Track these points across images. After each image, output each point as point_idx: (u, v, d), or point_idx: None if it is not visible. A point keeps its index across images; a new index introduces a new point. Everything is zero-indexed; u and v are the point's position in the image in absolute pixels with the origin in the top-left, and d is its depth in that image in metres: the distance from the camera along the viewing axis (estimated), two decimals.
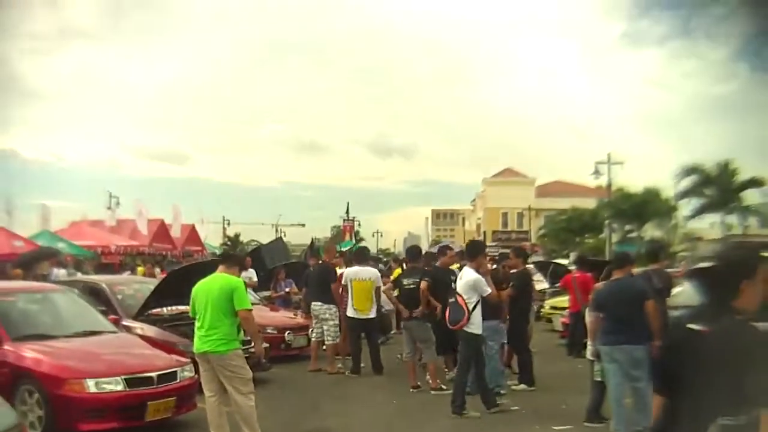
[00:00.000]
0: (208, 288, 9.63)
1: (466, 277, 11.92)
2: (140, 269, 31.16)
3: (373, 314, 15.49)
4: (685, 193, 51.55)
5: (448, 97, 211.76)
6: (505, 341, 13.55)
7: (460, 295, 11.72)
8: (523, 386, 13.70)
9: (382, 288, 15.88)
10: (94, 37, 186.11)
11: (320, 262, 17.71)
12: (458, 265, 14.37)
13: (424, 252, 16.28)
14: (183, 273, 14.27)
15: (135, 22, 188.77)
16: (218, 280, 9.67)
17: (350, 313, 15.55)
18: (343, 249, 26.78)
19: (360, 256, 16.79)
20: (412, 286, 13.97)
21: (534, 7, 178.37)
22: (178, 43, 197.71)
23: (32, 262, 26.77)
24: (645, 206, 55.59)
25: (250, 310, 9.73)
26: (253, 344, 10.59)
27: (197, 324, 9.70)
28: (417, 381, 13.85)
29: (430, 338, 13.75)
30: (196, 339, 9.71)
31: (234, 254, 10.56)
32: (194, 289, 9.84)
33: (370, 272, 15.68)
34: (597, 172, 54.97)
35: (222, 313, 9.42)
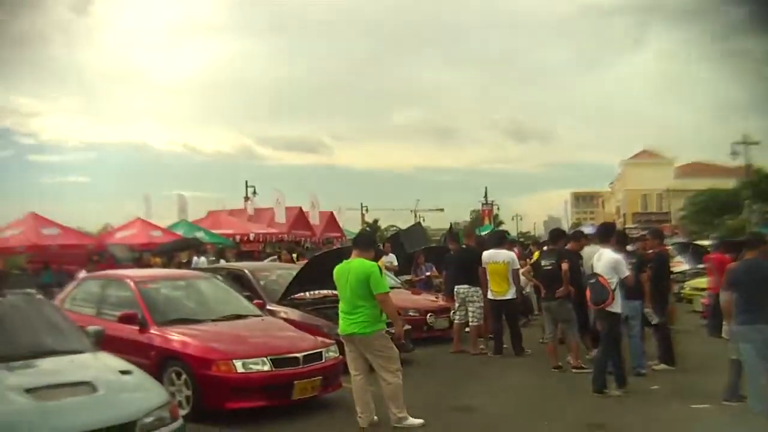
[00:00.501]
0: (345, 273, 9.70)
1: (606, 257, 11.84)
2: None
3: (510, 296, 15.35)
4: None
5: (581, 81, 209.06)
6: (655, 321, 13.24)
7: (601, 276, 11.61)
8: (663, 365, 13.43)
9: (521, 270, 15.70)
10: (224, 31, 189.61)
11: (462, 246, 17.59)
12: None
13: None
14: (324, 258, 14.39)
15: (264, 15, 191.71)
16: (354, 265, 9.70)
17: (489, 295, 15.50)
18: (482, 233, 26.64)
19: (495, 239, 16.73)
20: (549, 267, 13.82)
21: None
22: (311, 34, 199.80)
23: (173, 251, 27.50)
24: None
25: (387, 293, 9.71)
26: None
27: (340, 306, 9.79)
28: (558, 361, 13.73)
29: (572, 318, 13.55)
30: (340, 321, 9.80)
31: (364, 237, 10.48)
32: (334, 274, 9.93)
33: (505, 255, 15.54)
34: (735, 153, 53.73)
35: (361, 296, 9.48)
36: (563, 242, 14.63)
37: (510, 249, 16.43)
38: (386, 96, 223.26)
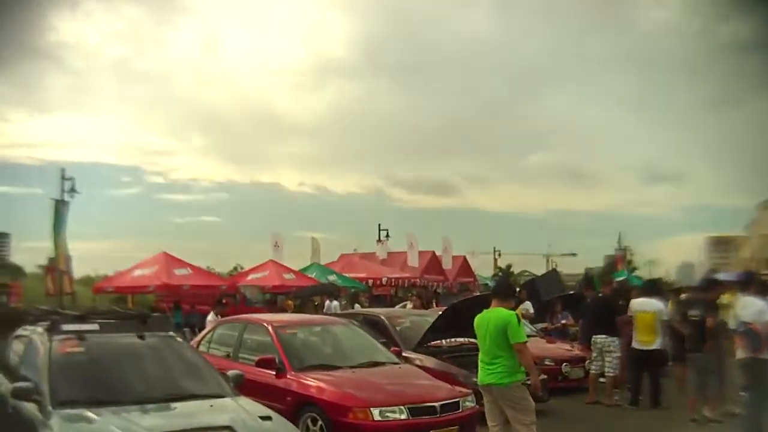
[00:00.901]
0: (485, 322, 9.65)
1: (754, 305, 11.51)
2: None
3: (656, 346, 14.90)
4: None
5: (715, 121, 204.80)
6: None
7: (752, 324, 11.25)
8: None
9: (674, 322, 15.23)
10: (353, 73, 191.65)
11: (598, 294, 17.26)
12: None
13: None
14: (462, 306, 14.27)
15: (391, 56, 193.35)
16: (493, 314, 9.64)
17: (634, 344, 15.17)
18: (617, 279, 26.16)
19: (647, 288, 16.37)
20: (696, 318, 13.38)
21: None
22: (445, 73, 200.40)
23: (311, 295, 27.77)
24: None
25: (525, 342, 9.58)
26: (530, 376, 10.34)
27: (480, 356, 9.71)
28: (695, 414, 13.31)
29: (715, 370, 13.14)
30: (479, 371, 9.72)
31: (504, 287, 10.40)
32: (475, 323, 9.86)
33: (654, 305, 15.13)
34: None
35: (500, 346, 9.41)
36: (716, 293, 14.21)
37: (663, 299, 16.02)
38: (519, 137, 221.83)
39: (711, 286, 14.35)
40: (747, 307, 11.62)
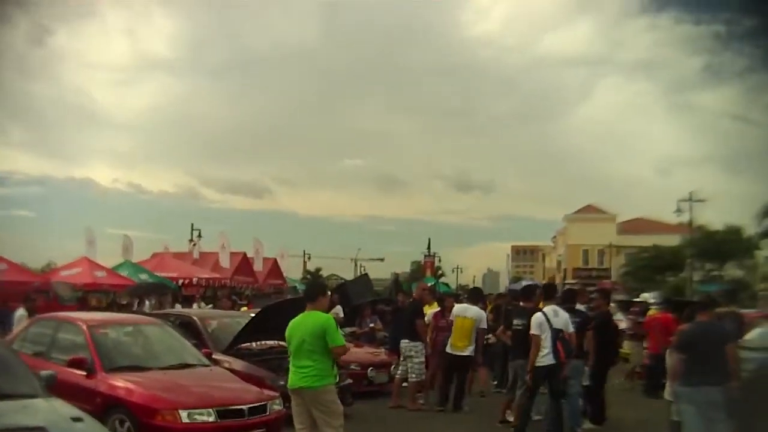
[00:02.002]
0: (302, 326, 9.75)
1: (564, 314, 12.68)
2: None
3: (468, 353, 15.41)
4: (766, 234, 50.65)
5: (527, 133, 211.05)
6: (587, 383, 13.53)
7: (563, 331, 12.45)
8: (590, 425, 13.76)
9: (499, 332, 15.89)
10: (173, 70, 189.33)
11: (411, 299, 17.84)
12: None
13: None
14: (277, 308, 14.52)
15: (213, 55, 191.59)
16: (311, 318, 9.77)
17: (448, 349, 15.64)
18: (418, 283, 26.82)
19: (473, 295, 17.29)
20: (519, 327, 13.55)
21: (613, 43, 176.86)
22: (258, 78, 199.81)
23: (145, 294, 27.73)
24: (726, 245, 54.97)
25: (343, 346, 9.86)
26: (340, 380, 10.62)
27: (292, 360, 9.84)
28: (505, 416, 13.88)
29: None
30: (291, 374, 9.83)
31: (315, 290, 10.57)
32: (289, 327, 9.96)
33: (474, 312, 15.72)
34: (679, 210, 54.89)
35: (316, 350, 9.55)
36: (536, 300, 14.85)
37: (482, 308, 16.62)
38: (332, 142, 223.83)
39: (531, 294, 14.64)
40: (558, 315, 12.59)
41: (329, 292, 11.39)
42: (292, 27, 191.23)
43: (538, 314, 12.70)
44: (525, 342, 13.20)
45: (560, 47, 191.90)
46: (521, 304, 14.41)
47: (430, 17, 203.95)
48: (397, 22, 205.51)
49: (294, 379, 9.73)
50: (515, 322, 13.90)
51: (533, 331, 12.54)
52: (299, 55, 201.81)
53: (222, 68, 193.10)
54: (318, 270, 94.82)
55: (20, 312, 16.98)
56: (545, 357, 12.57)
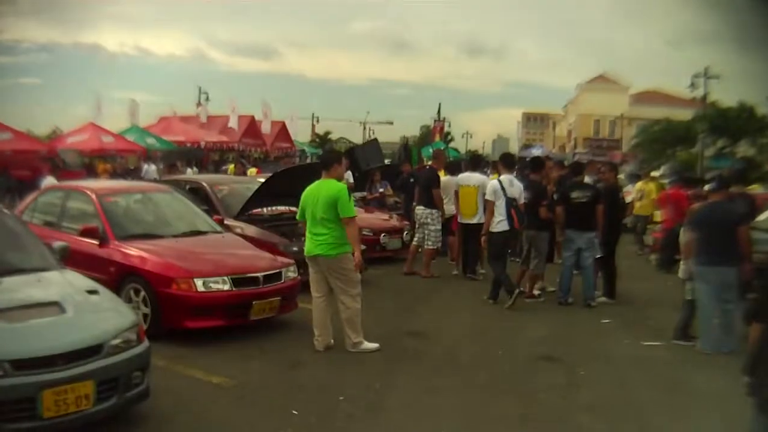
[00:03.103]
0: (315, 195, 9.72)
1: (519, 184, 13.54)
2: (231, 167, 31.45)
3: (476, 220, 15.05)
4: None
5: None
6: (599, 255, 13.47)
7: (516, 200, 13.23)
8: (603, 298, 13.75)
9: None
10: None
11: (426, 166, 17.70)
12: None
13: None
14: (284, 174, 14.39)
15: None
16: (324, 185, 9.73)
17: (459, 218, 15.68)
18: (434, 149, 26.60)
19: (473, 162, 16.95)
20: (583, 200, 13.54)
21: None
22: None
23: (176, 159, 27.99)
24: (739, 123, 54.42)
25: (353, 217, 9.75)
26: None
27: (308, 227, 9.80)
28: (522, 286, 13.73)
29: (544, 249, 13.77)
30: (307, 242, 9.84)
31: (331, 157, 10.40)
32: (303, 195, 9.93)
33: (477, 179, 15.48)
34: (692, 86, 54.36)
35: (329, 218, 9.54)
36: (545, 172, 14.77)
37: (485, 173, 16.48)
38: (343, 4, 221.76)
39: (540, 166, 14.71)
40: (513, 185, 13.21)
41: (344, 160, 11.19)
42: None
43: (494, 182, 13.61)
44: (533, 213, 13.44)
45: None
46: (530, 176, 14.39)
47: None
48: None
49: (310, 246, 9.76)
50: (526, 194, 13.85)
51: (488, 197, 13.37)
52: None
53: None
54: (327, 133, 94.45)
55: (48, 179, 16.90)
56: (500, 224, 13.18)
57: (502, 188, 13.15)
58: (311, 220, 9.71)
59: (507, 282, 13.28)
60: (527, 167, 15.64)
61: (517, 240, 14.16)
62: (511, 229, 13.20)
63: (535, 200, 13.50)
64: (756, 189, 21.50)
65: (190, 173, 25.93)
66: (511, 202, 13.11)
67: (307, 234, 9.83)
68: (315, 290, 9.88)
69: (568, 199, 13.46)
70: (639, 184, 21.50)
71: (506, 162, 14.29)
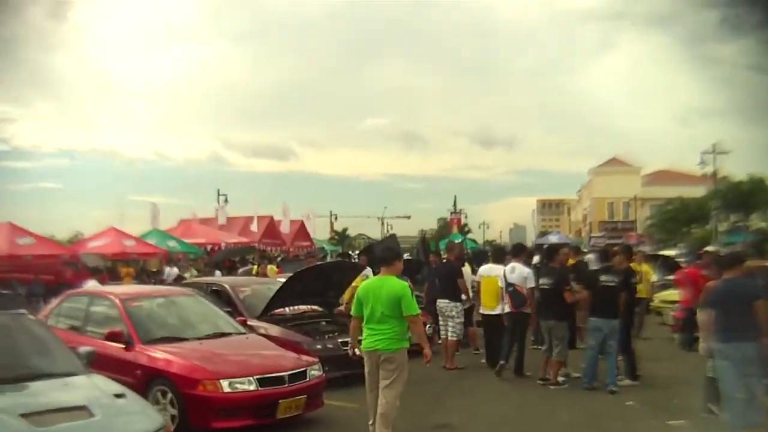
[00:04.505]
0: (376, 291, 9.66)
1: (522, 270, 14.66)
2: (254, 268, 31.52)
3: (498, 311, 15.20)
4: None
5: (548, 88, 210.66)
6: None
7: (514, 285, 14.47)
8: (627, 381, 13.67)
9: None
10: (195, 38, 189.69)
11: (443, 260, 17.78)
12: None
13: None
14: (307, 274, 14.53)
15: (234, 22, 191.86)
16: (386, 283, 9.71)
17: (480, 309, 15.79)
18: (448, 242, 26.70)
19: (497, 255, 16.75)
20: (547, 287, 13.85)
21: None
22: (283, 41, 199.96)
23: (223, 258, 28.20)
24: (751, 196, 54.47)
25: (418, 315, 9.76)
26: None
27: (365, 322, 9.69)
28: (546, 374, 13.84)
29: (565, 336, 13.78)
30: (365, 337, 9.69)
31: (391, 253, 10.44)
32: (362, 288, 9.96)
33: (499, 270, 15.41)
34: (703, 162, 54.71)
35: (392, 314, 9.48)
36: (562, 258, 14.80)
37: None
38: (356, 103, 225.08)
39: (554, 253, 14.77)
40: (515, 272, 14.50)
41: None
42: None
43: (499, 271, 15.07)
44: (554, 301, 13.59)
45: (578, 2, 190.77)
46: (549, 264, 14.56)
47: None
48: None
49: (370, 341, 9.63)
50: (541, 281, 14.06)
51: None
52: (320, 19, 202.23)
53: (243, 34, 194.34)
54: (345, 230, 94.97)
55: (91, 283, 17.21)
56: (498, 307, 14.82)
57: (504, 276, 14.53)
58: (371, 315, 9.63)
59: (501, 353, 14.47)
60: (544, 256, 15.74)
61: (526, 323, 14.85)
62: (509, 312, 14.51)
63: (557, 286, 13.57)
64: None
65: (219, 275, 26.03)
66: (506, 287, 14.38)
67: (366, 329, 9.72)
68: (371, 386, 9.72)
69: (595, 282, 13.46)
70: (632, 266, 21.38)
71: (512, 251, 15.75)
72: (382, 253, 11.19)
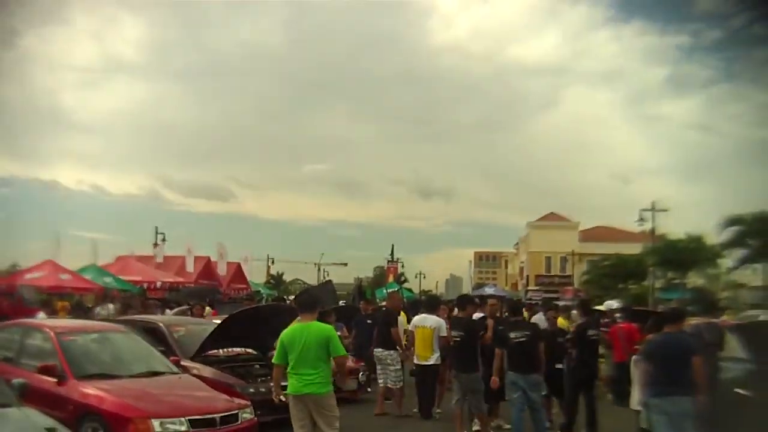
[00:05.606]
0: (301, 336, 9.86)
1: (432, 320, 15.51)
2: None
3: (432, 361, 15.41)
4: (729, 244, 50.84)
5: (490, 141, 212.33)
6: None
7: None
8: None
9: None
10: (140, 73, 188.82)
11: (382, 308, 17.91)
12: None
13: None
14: (242, 316, 14.57)
15: (179, 60, 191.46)
16: (313, 327, 9.98)
17: (415, 359, 15.80)
18: (388, 291, 26.87)
19: (430, 304, 16.90)
20: (458, 339, 13.95)
21: (577, 53, 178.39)
22: (223, 81, 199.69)
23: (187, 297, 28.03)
24: (688, 254, 55.29)
25: (346, 356, 10.17)
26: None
27: (291, 367, 9.85)
28: (464, 429, 13.86)
29: (480, 389, 13.77)
30: (292, 381, 9.85)
31: (310, 300, 10.73)
32: (286, 334, 10.07)
33: (433, 321, 15.62)
34: (641, 220, 55.59)
35: (320, 358, 9.75)
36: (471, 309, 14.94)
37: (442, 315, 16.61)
38: (296, 147, 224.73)
39: (466, 304, 15.06)
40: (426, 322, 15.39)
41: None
42: (258, 32, 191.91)
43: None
44: (463, 353, 13.75)
45: (525, 56, 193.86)
46: (458, 315, 14.92)
47: (395, 24, 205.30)
48: (362, 28, 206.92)
49: (298, 385, 9.82)
50: (453, 333, 14.22)
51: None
52: (265, 60, 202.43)
53: (188, 72, 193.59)
54: (281, 274, 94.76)
55: (41, 315, 17.15)
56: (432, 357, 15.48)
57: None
58: (298, 360, 9.80)
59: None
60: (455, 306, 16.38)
61: (436, 372, 15.57)
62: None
63: (468, 336, 13.74)
64: (727, 318, 21.77)
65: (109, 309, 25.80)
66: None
67: (293, 373, 9.85)
68: (298, 426, 9.91)
69: (506, 339, 13.37)
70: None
71: (431, 304, 16.63)
72: (304, 300, 11.42)
